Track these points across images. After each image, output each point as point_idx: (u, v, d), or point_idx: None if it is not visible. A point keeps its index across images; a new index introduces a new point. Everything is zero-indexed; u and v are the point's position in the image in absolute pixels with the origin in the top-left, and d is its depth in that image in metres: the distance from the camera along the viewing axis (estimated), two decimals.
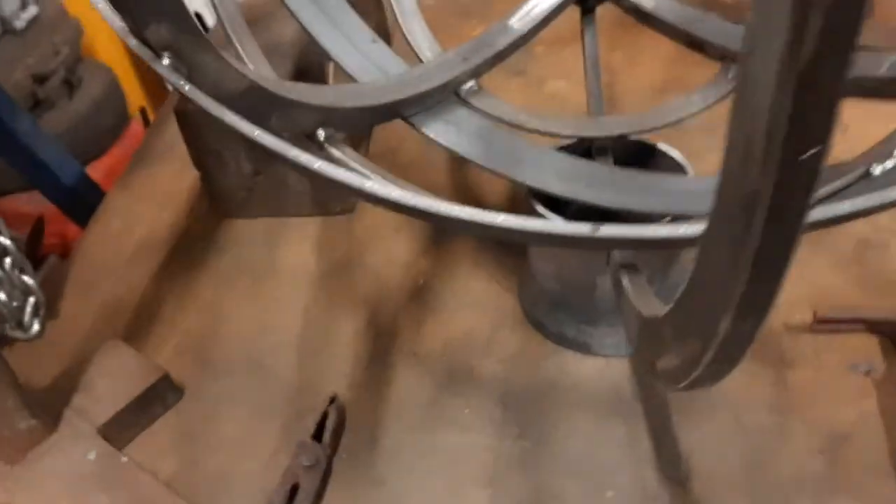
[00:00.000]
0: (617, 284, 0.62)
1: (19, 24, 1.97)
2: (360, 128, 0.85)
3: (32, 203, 1.44)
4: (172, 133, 1.11)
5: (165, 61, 0.45)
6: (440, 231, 0.89)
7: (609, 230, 0.41)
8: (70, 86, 2.07)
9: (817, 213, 0.45)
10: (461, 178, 0.95)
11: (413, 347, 0.77)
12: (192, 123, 0.87)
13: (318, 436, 0.68)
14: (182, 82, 0.45)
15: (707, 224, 0.29)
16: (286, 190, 0.92)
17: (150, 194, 1.02)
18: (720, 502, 0.62)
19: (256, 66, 0.66)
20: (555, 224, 0.44)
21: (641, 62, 1.09)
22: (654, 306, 0.47)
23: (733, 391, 0.69)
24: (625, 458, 0.66)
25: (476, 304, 0.80)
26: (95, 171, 1.52)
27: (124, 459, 0.67)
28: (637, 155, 0.74)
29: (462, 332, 0.78)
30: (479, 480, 0.66)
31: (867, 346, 0.71)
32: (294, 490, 0.64)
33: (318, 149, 0.62)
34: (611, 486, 0.64)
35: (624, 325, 0.57)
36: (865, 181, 0.54)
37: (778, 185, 0.23)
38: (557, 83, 1.10)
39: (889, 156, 0.54)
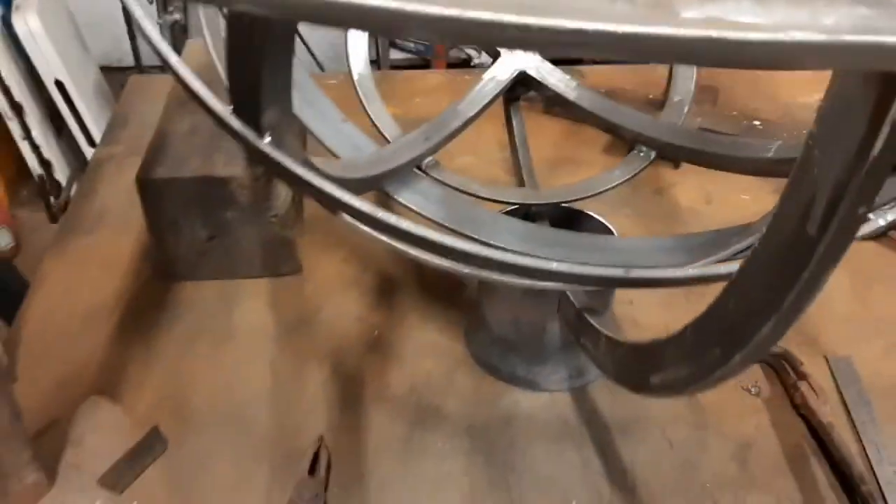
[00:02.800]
0: (573, 326, 0.75)
1: None
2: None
3: None
4: (101, 203, 1.15)
5: (267, 139, 0.53)
6: (386, 287, 0.99)
7: (639, 272, 0.54)
8: None
9: None
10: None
11: (380, 392, 0.86)
12: (155, 192, 0.92)
13: (311, 472, 0.75)
14: (288, 160, 0.53)
15: (756, 252, 0.42)
16: (238, 252, 0.98)
17: (89, 261, 1.04)
18: (660, 503, 0.75)
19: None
20: (589, 268, 0.56)
21: (536, 141, 1.26)
22: (625, 336, 0.60)
23: (659, 413, 0.83)
24: (580, 474, 0.78)
25: (430, 353, 0.90)
26: None
27: (135, 503, 0.71)
28: (564, 219, 0.89)
29: (422, 377, 0.87)
30: (460, 501, 0.75)
31: (754, 373, 0.88)
32: None
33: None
34: (573, 496, 0.75)
35: (591, 356, 0.70)
36: None
37: (837, 231, 0.36)
38: (465, 158, 1.24)
39: None
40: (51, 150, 2.77)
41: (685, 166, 1.19)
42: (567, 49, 0.25)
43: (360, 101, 0.89)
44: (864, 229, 0.56)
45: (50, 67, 2.70)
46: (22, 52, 2.66)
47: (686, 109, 0.90)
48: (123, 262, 1.04)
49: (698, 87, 1.32)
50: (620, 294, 0.98)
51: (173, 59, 0.52)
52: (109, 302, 0.98)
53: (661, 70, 1.32)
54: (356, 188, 0.80)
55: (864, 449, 0.80)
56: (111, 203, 1.15)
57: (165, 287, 1.00)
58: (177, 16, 3.00)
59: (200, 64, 0.74)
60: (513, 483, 0.77)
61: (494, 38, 0.26)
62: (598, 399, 0.85)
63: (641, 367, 0.57)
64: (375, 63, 3.15)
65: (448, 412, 0.84)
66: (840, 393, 0.86)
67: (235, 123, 0.50)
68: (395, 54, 3.13)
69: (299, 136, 0.57)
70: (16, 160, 2.74)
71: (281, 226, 0.98)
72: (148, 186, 0.93)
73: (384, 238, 0.66)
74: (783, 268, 0.39)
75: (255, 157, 0.56)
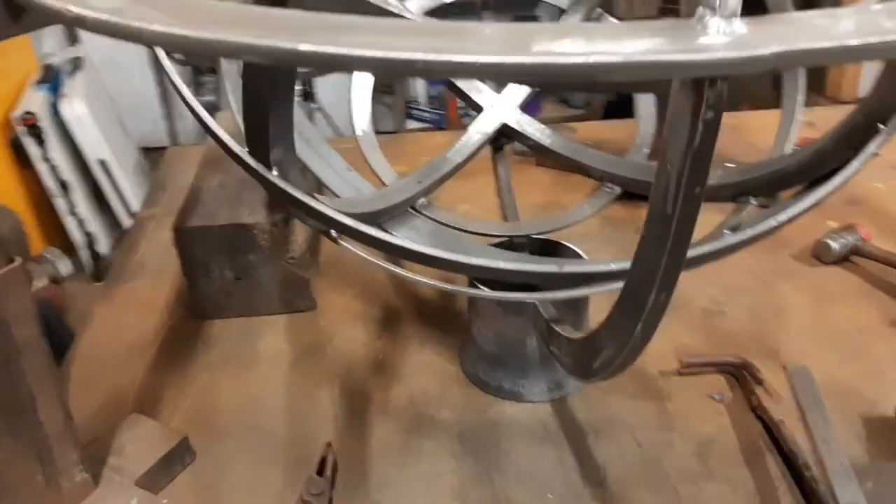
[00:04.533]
0: (544, 336, 0.86)
1: None
2: (351, 231, 1.08)
3: None
4: (142, 254, 1.30)
5: (275, 172, 0.66)
6: (389, 319, 1.11)
7: (571, 267, 0.66)
8: None
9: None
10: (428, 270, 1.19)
11: (382, 405, 0.97)
12: (189, 238, 1.06)
13: (319, 473, 0.86)
14: (294, 190, 0.66)
15: (643, 233, 0.53)
16: (259, 292, 1.12)
17: (131, 304, 1.19)
18: (629, 494, 0.85)
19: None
20: (527, 265, 0.68)
21: (527, 189, 1.39)
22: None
23: (629, 418, 0.93)
24: (557, 471, 0.87)
25: (427, 371, 1.02)
26: None
27: (165, 502, 0.82)
28: (544, 251, 1.01)
29: (420, 392, 0.99)
30: (450, 496, 0.85)
31: (717, 382, 0.98)
32: None
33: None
34: (550, 491, 0.85)
35: (557, 359, 0.81)
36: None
37: (683, 207, 0.47)
38: (464, 206, 1.38)
39: (720, 236, 0.82)
40: (94, 224, 2.97)
41: None
42: (444, 75, 0.38)
43: (362, 153, 1.03)
44: (761, 228, 0.67)
45: (94, 148, 2.92)
46: (68, 135, 2.89)
47: (646, 150, 1.03)
48: (160, 304, 1.18)
49: None
50: (594, 317, 1.09)
51: (204, 114, 0.66)
52: (148, 337, 1.11)
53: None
54: (367, 221, 0.93)
55: (815, 445, 0.89)
56: (150, 255, 1.30)
57: (197, 324, 1.13)
58: (210, 97, 3.23)
59: (227, 129, 0.89)
60: (496, 479, 0.87)
61: (413, 72, 0.39)
62: (575, 408, 0.95)
63: (586, 356, 0.69)
64: (395, 132, 3.35)
65: (441, 420, 0.94)
66: (796, 397, 0.95)
67: (251, 160, 0.64)
68: (413, 124, 3.33)
69: (302, 172, 0.70)
70: (61, 234, 2.94)
71: (297, 267, 1.11)
72: (183, 234, 1.07)
73: (371, 257, 0.79)
74: (657, 241, 0.51)
75: (266, 187, 0.69)
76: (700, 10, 0.40)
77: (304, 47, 0.36)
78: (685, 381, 0.98)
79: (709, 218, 0.89)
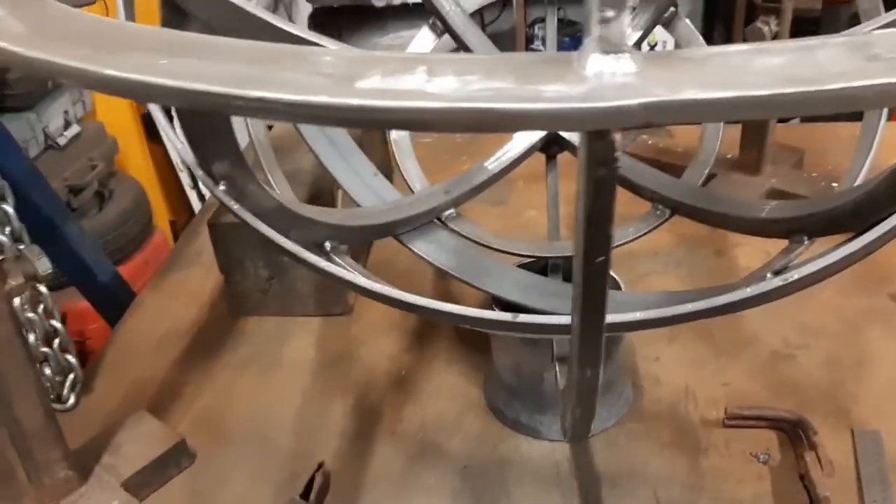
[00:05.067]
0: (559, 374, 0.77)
1: (62, 140, 2.21)
2: (360, 241, 1.03)
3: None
4: (201, 243, 1.30)
5: (222, 187, 0.62)
6: (424, 331, 1.05)
7: (525, 318, 0.58)
8: (102, 197, 2.28)
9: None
10: (443, 287, 1.12)
11: (392, 427, 0.92)
12: (222, 235, 1.05)
13: (305, 495, 0.81)
14: (233, 203, 0.62)
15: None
16: (295, 293, 1.09)
17: (179, 294, 1.19)
18: None
19: (281, 190, 0.83)
20: (483, 313, 0.60)
21: None
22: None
23: (654, 471, 0.83)
24: None
25: (447, 393, 0.95)
26: None
27: None
28: None
29: (434, 416, 0.92)
30: None
31: (768, 440, 0.85)
32: None
33: (325, 257, 0.79)
34: None
35: (561, 399, 0.72)
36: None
37: (585, 277, 0.39)
38: (531, 212, 1.29)
39: (762, 279, 0.71)
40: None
41: None
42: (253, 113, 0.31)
43: (393, 157, 0.97)
44: (757, 289, 0.56)
45: None
46: None
47: (706, 170, 0.91)
48: (206, 296, 1.18)
49: (780, 148, 1.30)
50: (646, 350, 0.98)
51: (165, 127, 0.61)
52: (184, 329, 1.11)
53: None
54: (365, 235, 0.88)
55: None
56: (209, 244, 1.29)
57: (234, 320, 1.12)
58: None
59: None
60: None
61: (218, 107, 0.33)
62: (596, 451, 0.86)
63: (563, 411, 0.60)
64: None
65: (448, 450, 0.88)
66: (857, 468, 0.81)
67: (199, 173, 0.59)
68: None
69: (260, 188, 0.65)
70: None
71: None
72: (218, 229, 1.06)
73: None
74: (575, 311, 0.42)
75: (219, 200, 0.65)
76: (586, 40, 0.31)
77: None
78: (729, 434, 0.86)
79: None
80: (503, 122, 0.28)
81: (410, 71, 0.31)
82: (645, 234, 0.88)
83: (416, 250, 0.88)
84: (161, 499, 0.85)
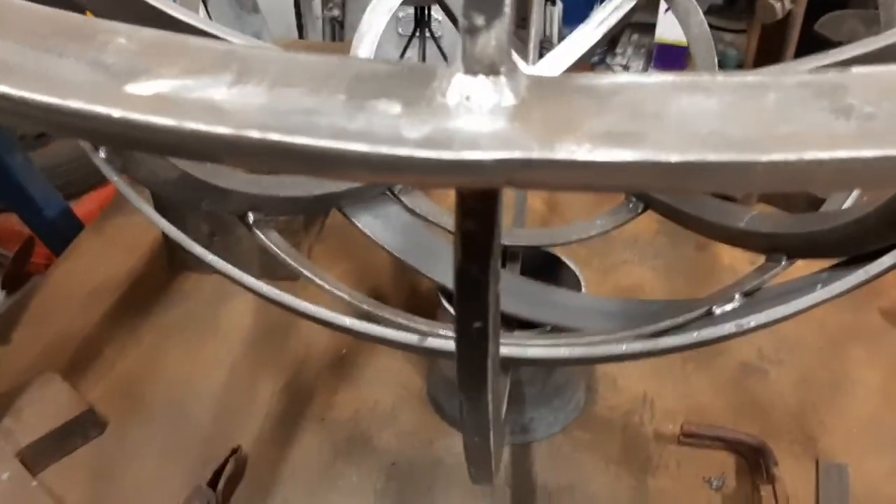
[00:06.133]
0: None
1: None
2: (291, 214, 0.94)
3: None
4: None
5: (102, 154, 0.54)
6: None
7: (434, 342, 0.50)
8: None
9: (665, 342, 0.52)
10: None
11: (322, 413, 0.84)
12: None
13: (214, 483, 0.75)
14: (113, 174, 0.54)
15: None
16: (239, 252, 1.00)
17: (120, 240, 1.11)
18: None
19: None
20: (388, 331, 0.52)
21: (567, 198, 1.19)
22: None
23: (597, 487, 0.76)
24: None
25: (387, 380, 0.88)
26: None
27: (34, 484, 0.74)
28: (544, 264, 0.83)
29: (369, 405, 0.85)
30: None
31: (724, 463, 0.78)
32: None
33: (247, 230, 0.71)
34: None
35: None
36: (707, 318, 0.62)
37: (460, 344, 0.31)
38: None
39: (730, 300, 0.63)
40: None
41: None
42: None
43: None
44: (713, 333, 0.48)
45: None
46: None
47: None
48: (147, 246, 1.10)
49: None
50: None
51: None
52: (119, 281, 1.03)
53: None
54: (308, 206, 0.79)
55: None
56: None
57: (172, 276, 1.04)
58: (335, 12, 3.13)
59: None
60: None
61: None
62: (539, 460, 0.79)
63: None
64: None
65: (378, 446, 0.81)
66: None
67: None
68: None
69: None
70: None
71: (280, 233, 0.98)
72: None
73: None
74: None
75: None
76: (458, 50, 0.22)
77: None
78: (683, 453, 0.79)
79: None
80: (306, 166, 0.20)
81: (217, 72, 0.22)
82: (611, 230, 0.80)
83: (360, 225, 0.79)
84: (60, 472, 0.78)
